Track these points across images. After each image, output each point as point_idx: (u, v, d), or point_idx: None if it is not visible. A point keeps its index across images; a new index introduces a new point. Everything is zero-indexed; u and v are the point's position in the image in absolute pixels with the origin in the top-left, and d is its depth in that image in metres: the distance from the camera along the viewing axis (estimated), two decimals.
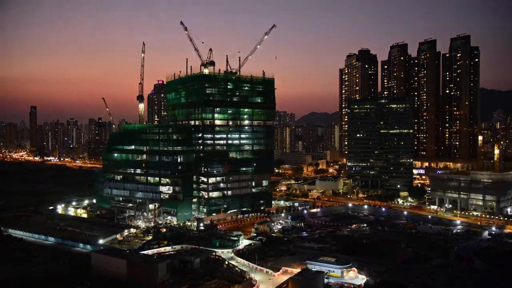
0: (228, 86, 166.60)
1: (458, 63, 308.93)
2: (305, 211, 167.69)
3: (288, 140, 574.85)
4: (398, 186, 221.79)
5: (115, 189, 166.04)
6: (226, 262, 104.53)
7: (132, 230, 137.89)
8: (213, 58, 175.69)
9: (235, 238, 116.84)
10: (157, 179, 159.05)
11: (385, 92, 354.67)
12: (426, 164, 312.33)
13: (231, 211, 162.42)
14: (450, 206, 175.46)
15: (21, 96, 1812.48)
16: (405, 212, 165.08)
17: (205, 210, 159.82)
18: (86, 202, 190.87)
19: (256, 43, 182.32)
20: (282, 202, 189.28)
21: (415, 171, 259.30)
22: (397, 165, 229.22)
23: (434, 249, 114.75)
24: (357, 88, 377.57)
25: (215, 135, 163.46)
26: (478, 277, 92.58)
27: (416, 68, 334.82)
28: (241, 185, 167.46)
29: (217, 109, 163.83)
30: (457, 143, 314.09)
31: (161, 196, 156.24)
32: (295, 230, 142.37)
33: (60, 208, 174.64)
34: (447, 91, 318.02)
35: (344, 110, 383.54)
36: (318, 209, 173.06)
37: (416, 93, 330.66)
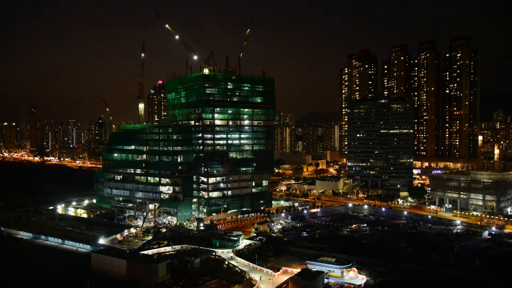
0: (228, 86, 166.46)
1: (458, 63, 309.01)
2: (305, 211, 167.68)
3: (288, 140, 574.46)
4: (398, 186, 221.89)
5: (115, 189, 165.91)
6: (226, 262, 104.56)
7: (132, 230, 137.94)
8: (210, 57, 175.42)
9: (235, 238, 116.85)
10: (157, 179, 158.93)
11: (385, 92, 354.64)
12: (426, 164, 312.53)
13: (231, 211, 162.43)
14: (450, 206, 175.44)
15: (21, 96, 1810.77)
16: (405, 212, 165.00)
17: (205, 210, 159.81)
18: (86, 202, 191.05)
19: (249, 41, 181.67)
20: (282, 202, 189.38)
21: (415, 171, 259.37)
22: (397, 165, 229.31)
23: (434, 249, 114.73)
24: (357, 88, 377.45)
25: (215, 135, 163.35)
26: (478, 277, 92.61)
27: (416, 68, 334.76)
28: (241, 185, 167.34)
29: (217, 109, 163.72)
30: (457, 143, 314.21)
31: (161, 196, 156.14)
32: (295, 230, 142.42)
33: (60, 208, 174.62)
34: (447, 91, 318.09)
35: (344, 110, 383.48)
36: (318, 209, 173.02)
37: (416, 93, 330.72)
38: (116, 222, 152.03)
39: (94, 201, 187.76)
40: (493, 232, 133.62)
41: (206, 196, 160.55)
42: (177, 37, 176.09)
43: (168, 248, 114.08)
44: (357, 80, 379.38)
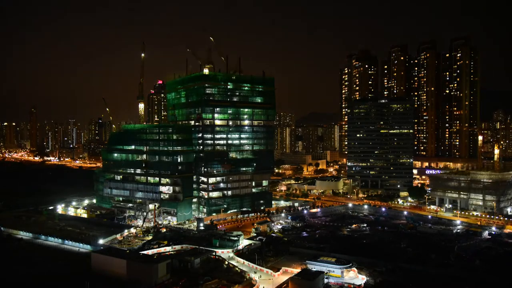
0: (228, 86, 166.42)
1: (458, 63, 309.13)
2: (305, 211, 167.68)
3: (288, 140, 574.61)
4: (398, 186, 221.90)
5: (115, 189, 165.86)
6: (226, 262, 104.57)
7: (132, 230, 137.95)
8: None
9: (235, 238, 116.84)
10: (157, 179, 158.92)
11: (385, 92, 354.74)
12: (426, 164, 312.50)
13: (231, 211, 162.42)
14: (450, 206, 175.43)
15: (21, 96, 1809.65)
16: (405, 212, 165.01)
17: (205, 210, 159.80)
18: (86, 202, 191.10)
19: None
20: (282, 202, 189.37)
21: (415, 171, 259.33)
22: (397, 165, 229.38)
23: (434, 249, 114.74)
24: (357, 88, 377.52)
25: (215, 135, 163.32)
26: (478, 277, 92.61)
27: (416, 68, 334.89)
28: (241, 185, 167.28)
29: (217, 109, 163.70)
30: (457, 143, 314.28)
31: (161, 196, 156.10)
32: (295, 230, 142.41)
33: (60, 208, 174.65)
34: (447, 91, 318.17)
35: (344, 110, 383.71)
36: (318, 209, 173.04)
37: (416, 93, 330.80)
38: (116, 222, 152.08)
39: (94, 201, 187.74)
40: (493, 232, 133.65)
41: (206, 196, 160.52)
42: (211, 38, 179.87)
43: (168, 248, 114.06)
44: (357, 80, 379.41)
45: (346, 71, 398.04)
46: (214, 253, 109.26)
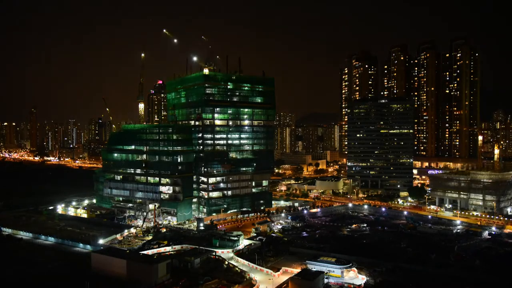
0: (228, 86, 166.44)
1: (458, 63, 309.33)
2: (305, 211, 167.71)
3: (288, 140, 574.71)
4: (398, 186, 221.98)
5: (115, 189, 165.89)
6: (226, 262, 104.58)
7: (132, 230, 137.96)
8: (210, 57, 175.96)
9: (235, 238, 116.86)
10: (157, 179, 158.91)
11: (385, 92, 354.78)
12: (426, 164, 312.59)
13: (231, 211, 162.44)
14: (450, 206, 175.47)
15: (21, 96, 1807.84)
16: (405, 212, 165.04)
17: (205, 210, 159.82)
18: (86, 202, 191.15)
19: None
20: (282, 202, 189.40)
21: (415, 171, 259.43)
22: (397, 165, 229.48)
23: (434, 249, 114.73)
24: (357, 88, 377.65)
25: (215, 135, 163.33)
26: (478, 277, 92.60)
27: (416, 68, 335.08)
28: (241, 185, 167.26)
29: (217, 109, 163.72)
30: (457, 143, 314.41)
31: (161, 196, 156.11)
32: (295, 230, 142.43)
33: (60, 208, 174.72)
34: (447, 91, 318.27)
35: (344, 110, 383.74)
36: (318, 209, 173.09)
37: (416, 93, 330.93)
38: (116, 222, 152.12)
39: (94, 201, 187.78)
40: (493, 232, 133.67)
41: (206, 196, 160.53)
42: (175, 41, 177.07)
43: (168, 248, 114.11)
44: (357, 80, 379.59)
45: (346, 71, 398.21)
46: (214, 253, 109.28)
